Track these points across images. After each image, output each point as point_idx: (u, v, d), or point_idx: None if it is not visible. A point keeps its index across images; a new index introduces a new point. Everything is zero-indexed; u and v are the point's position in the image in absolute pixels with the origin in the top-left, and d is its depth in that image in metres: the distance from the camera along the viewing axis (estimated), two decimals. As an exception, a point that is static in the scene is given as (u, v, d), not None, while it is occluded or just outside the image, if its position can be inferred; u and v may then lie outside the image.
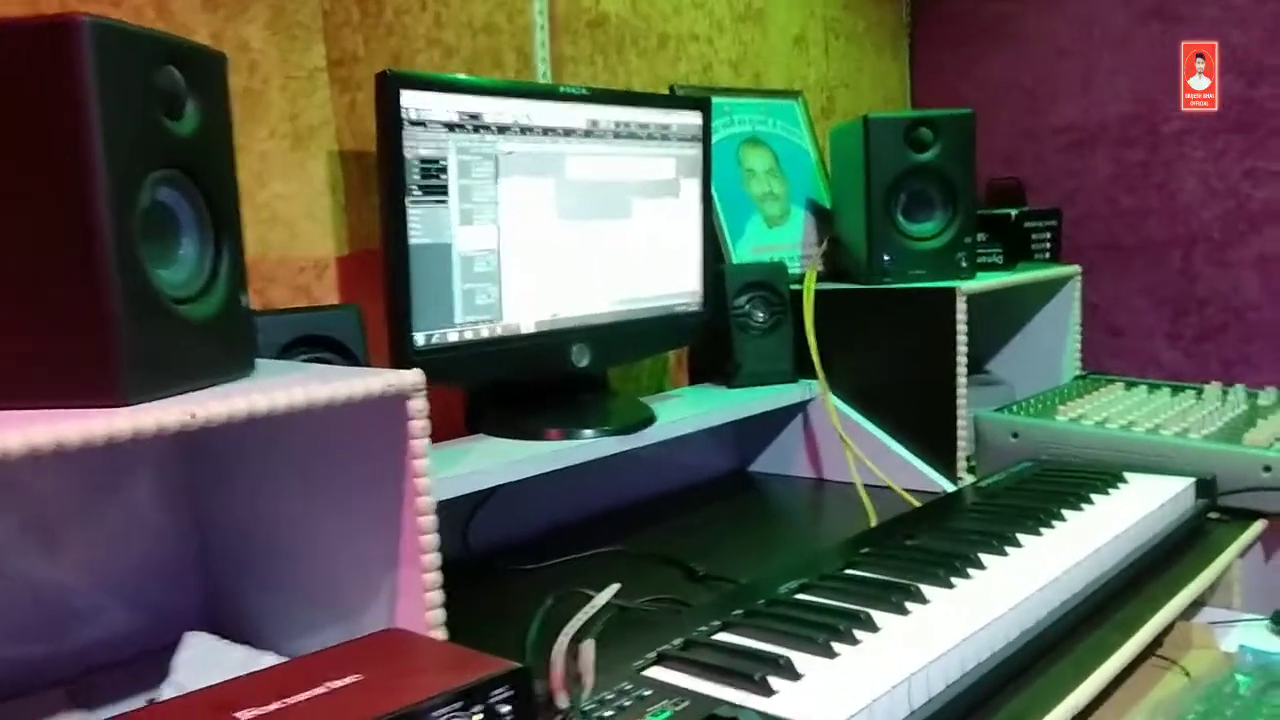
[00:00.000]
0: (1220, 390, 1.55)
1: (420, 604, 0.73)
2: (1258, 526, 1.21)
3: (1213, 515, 1.22)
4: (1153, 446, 1.30)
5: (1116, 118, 1.96)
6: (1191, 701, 0.85)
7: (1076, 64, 2.00)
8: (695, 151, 1.38)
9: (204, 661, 0.80)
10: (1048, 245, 1.76)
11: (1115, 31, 1.95)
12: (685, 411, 1.35)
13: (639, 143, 1.31)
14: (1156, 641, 0.96)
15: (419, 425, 0.73)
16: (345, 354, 1.00)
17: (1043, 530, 1.04)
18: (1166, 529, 1.12)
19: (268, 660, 0.80)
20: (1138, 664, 0.93)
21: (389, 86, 1.05)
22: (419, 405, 0.73)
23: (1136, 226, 1.95)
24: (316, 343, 0.98)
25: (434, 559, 0.74)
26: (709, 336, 1.47)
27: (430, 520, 0.74)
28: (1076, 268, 1.73)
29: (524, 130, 1.17)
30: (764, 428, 1.58)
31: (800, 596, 0.87)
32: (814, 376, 1.48)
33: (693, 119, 1.37)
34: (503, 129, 1.14)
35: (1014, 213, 1.72)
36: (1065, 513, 1.09)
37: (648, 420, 1.26)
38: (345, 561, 0.79)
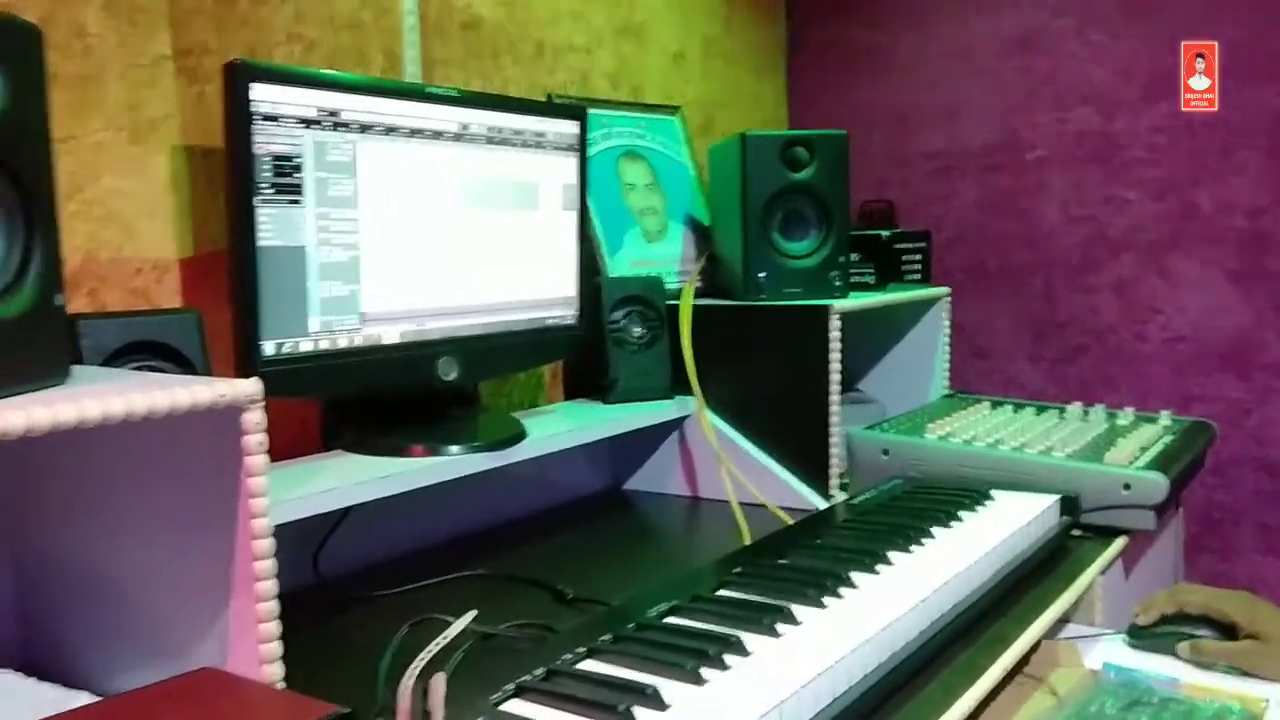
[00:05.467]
0: (1082, 410, 1.59)
1: (254, 637, 0.67)
2: (1119, 543, 1.23)
3: (1076, 533, 1.24)
4: (1018, 464, 1.32)
5: (982, 145, 2.02)
6: (1058, 720, 0.85)
7: (946, 93, 2.05)
8: (571, 161, 1.34)
9: (9, 702, 0.71)
10: (918, 267, 1.79)
11: (983, 63, 2.01)
12: (558, 427, 1.31)
13: (513, 149, 1.26)
14: (1024, 659, 0.97)
15: (255, 440, 0.67)
16: (182, 363, 0.91)
17: (913, 548, 1.03)
18: (1032, 547, 1.13)
19: (81, 700, 0.72)
20: (1005, 683, 0.93)
21: (238, 78, 0.98)
22: (255, 419, 0.67)
23: (1001, 251, 2.01)
24: (150, 350, 0.89)
25: (270, 587, 0.67)
26: (584, 351, 1.43)
27: (267, 545, 0.67)
28: (945, 289, 1.76)
29: (389, 130, 1.11)
30: (639, 445, 1.54)
31: (670, 620, 0.84)
32: (690, 393, 1.45)
33: (569, 128, 1.34)
34: (365, 128, 1.08)
35: (885, 234, 1.74)
36: (935, 530, 1.09)
37: (518, 436, 1.21)
38: (172, 591, 0.72)
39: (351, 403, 1.16)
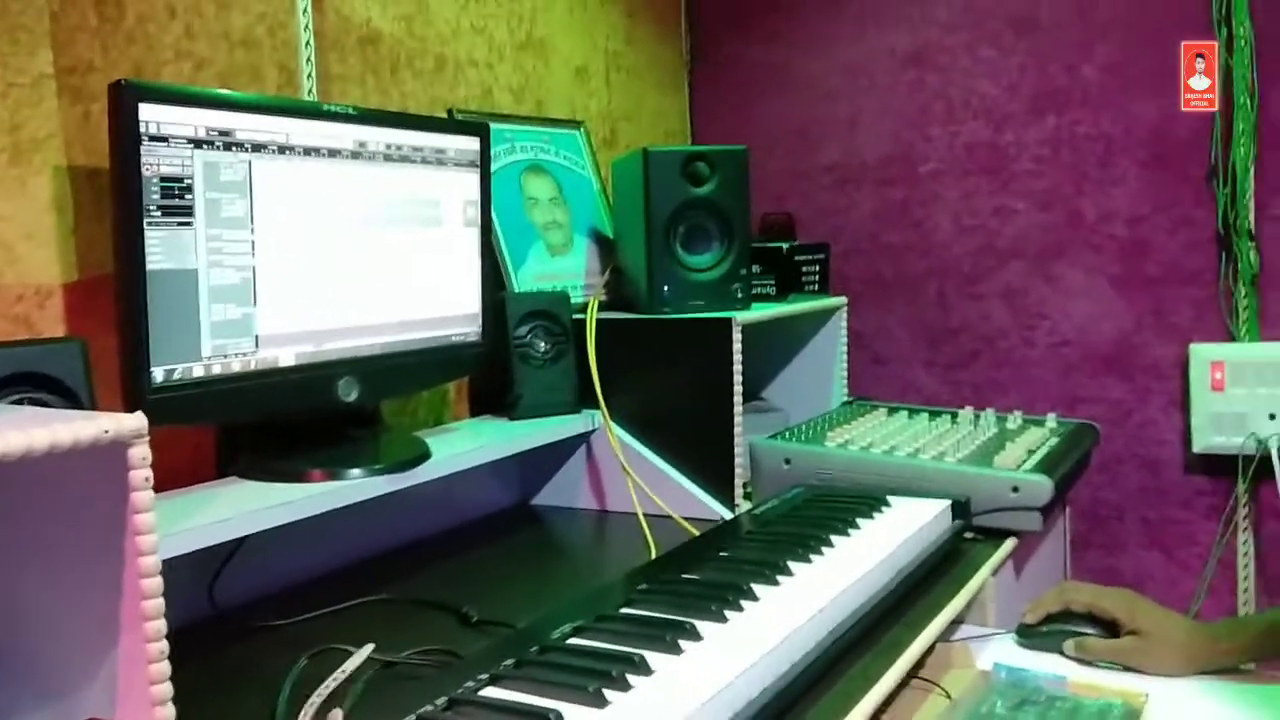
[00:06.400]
0: (973, 414, 1.65)
1: (143, 679, 0.65)
2: (1009, 545, 1.28)
3: (968, 535, 1.29)
4: (913, 470, 1.36)
5: (878, 159, 2.07)
6: (951, 723, 0.88)
7: (842, 108, 2.10)
8: (473, 177, 1.34)
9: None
10: (817, 277, 1.83)
11: (878, 79, 2.07)
12: (463, 445, 1.30)
13: (413, 166, 1.25)
14: (919, 663, 1.00)
15: (141, 476, 0.65)
16: (66, 394, 0.88)
17: (813, 557, 1.06)
18: (926, 550, 1.17)
19: (-41, 752, 0.69)
20: (902, 687, 0.96)
21: (125, 98, 0.95)
22: (141, 454, 0.65)
23: (896, 260, 2.07)
24: (31, 381, 0.86)
25: (159, 627, 0.65)
26: (490, 367, 1.43)
27: (155, 583, 0.66)
28: (843, 299, 1.80)
29: (283, 150, 1.09)
30: (547, 460, 1.55)
31: (574, 641, 0.84)
32: (597, 407, 1.46)
33: (470, 144, 1.33)
34: (258, 147, 1.06)
35: (785, 246, 1.77)
36: (834, 538, 1.12)
37: (422, 457, 1.20)
38: (57, 633, 0.69)
39: (248, 427, 1.14)
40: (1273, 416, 1.76)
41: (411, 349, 1.26)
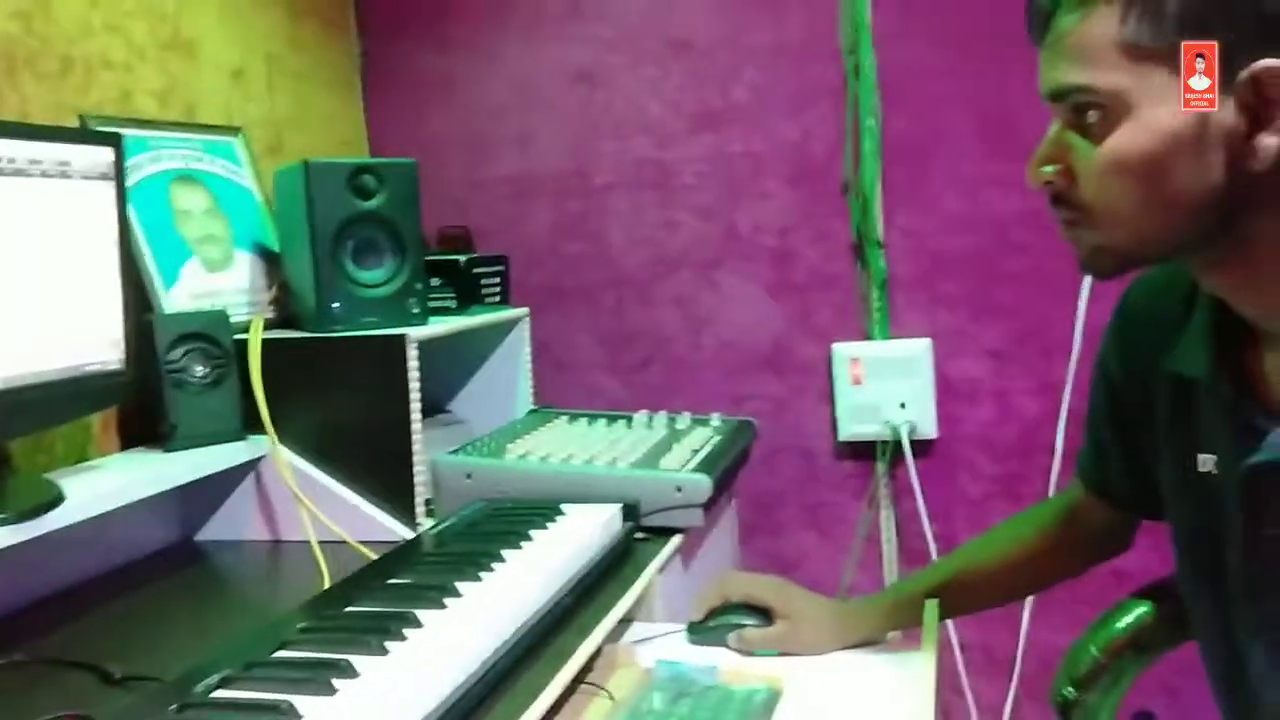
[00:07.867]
0: (647, 418, 1.73)
1: None
2: (674, 542, 1.36)
3: (639, 537, 1.35)
4: (587, 478, 1.41)
5: (553, 172, 2.13)
6: (611, 725, 0.92)
7: (517, 121, 2.14)
8: (107, 191, 1.23)
9: None
10: (497, 289, 1.85)
11: (549, 94, 2.12)
12: (108, 484, 1.20)
13: (30, 180, 1.13)
14: (587, 667, 1.03)
15: None
16: None
17: (483, 575, 1.07)
18: (597, 556, 1.21)
19: None
20: (570, 693, 0.99)
21: None
22: None
23: (575, 271, 2.13)
24: None
25: None
26: (139, 396, 1.32)
27: None
28: (525, 310, 1.84)
29: None
30: (211, 492, 1.45)
31: (220, 694, 0.80)
32: (264, 432, 1.39)
33: (103, 155, 1.22)
34: None
35: (463, 259, 1.78)
36: (505, 553, 1.13)
37: (53, 501, 1.09)
38: None
39: None
40: (903, 405, 1.98)
41: (37, 382, 1.14)
